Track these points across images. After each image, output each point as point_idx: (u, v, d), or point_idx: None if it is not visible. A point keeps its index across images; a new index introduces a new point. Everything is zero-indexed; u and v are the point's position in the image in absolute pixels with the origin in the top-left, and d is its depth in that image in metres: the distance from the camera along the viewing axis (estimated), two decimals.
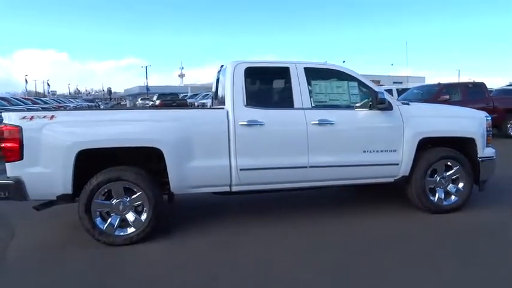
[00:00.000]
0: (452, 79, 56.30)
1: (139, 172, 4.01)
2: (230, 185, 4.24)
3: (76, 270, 3.51)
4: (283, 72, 4.45)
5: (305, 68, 4.46)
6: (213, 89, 5.53)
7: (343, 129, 4.41)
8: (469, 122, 4.78)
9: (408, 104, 4.77)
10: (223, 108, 4.24)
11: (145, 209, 4.02)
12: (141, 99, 52.89)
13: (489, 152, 4.83)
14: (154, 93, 60.48)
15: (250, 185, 4.28)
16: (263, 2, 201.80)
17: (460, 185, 4.73)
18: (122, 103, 76.18)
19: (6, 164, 3.84)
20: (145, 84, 71.97)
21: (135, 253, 3.82)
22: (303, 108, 4.34)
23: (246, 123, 4.15)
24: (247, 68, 4.33)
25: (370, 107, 4.50)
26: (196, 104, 27.61)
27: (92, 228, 3.91)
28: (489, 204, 5.02)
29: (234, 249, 3.85)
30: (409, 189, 4.69)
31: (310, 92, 4.42)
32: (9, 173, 3.84)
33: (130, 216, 4.01)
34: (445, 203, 4.70)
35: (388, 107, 4.50)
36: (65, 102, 29.97)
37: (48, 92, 79.41)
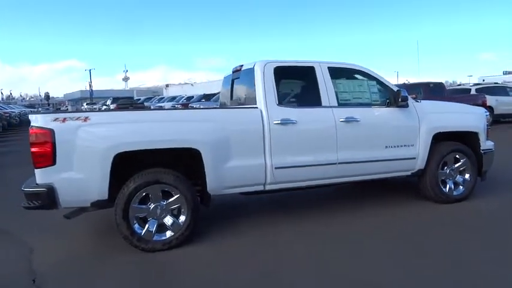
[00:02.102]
0: (392, 80, 59.80)
1: (177, 174, 3.89)
2: (264, 184, 4.24)
3: (117, 279, 3.33)
4: (309, 72, 4.53)
5: (328, 67, 4.58)
6: (225, 90, 5.47)
7: (367, 126, 4.57)
8: (473, 117, 5.17)
9: (419, 102, 5.05)
10: (256, 108, 4.23)
11: (183, 211, 3.91)
12: (86, 104, 50.45)
13: (489, 144, 5.25)
14: (100, 98, 58.04)
15: (283, 183, 4.31)
16: (206, 8, 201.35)
17: (467, 176, 5.09)
18: (61, 108, 72.12)
19: (37, 170, 3.56)
20: (89, 89, 68.47)
21: (175, 258, 3.70)
22: (330, 107, 4.45)
23: (279, 121, 4.18)
24: (276, 67, 4.36)
25: (389, 105, 4.72)
26: (152, 108, 26.92)
27: (131, 234, 3.73)
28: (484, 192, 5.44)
29: (278, 247, 3.86)
30: (423, 181, 4.96)
31: (335, 90, 4.54)
32: (39, 180, 3.56)
33: (168, 220, 3.88)
34: (454, 193, 5.03)
35: (405, 104, 4.75)
36: (6, 108, 27.84)
37: None
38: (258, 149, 4.13)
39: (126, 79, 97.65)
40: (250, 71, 4.46)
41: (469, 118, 5.15)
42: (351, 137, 4.49)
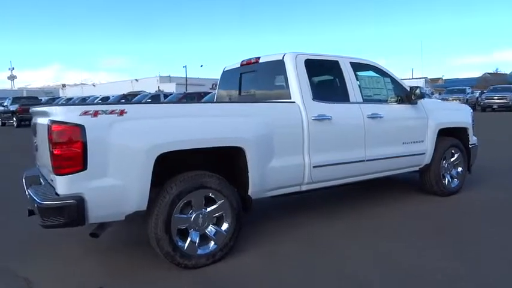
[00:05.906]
0: None
1: (220, 177, 3.40)
2: (301, 184, 3.95)
3: None
4: (334, 66, 4.37)
5: (350, 63, 4.47)
6: (228, 85, 5.03)
7: (389, 122, 4.55)
8: (464, 114, 5.51)
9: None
10: (294, 102, 3.91)
11: (225, 219, 3.43)
12: None
13: (474, 139, 5.65)
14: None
15: (318, 182, 4.05)
16: (107, 5, 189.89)
17: (459, 169, 5.41)
18: None
19: (59, 177, 2.78)
20: None
21: (218, 272, 3.23)
22: (357, 102, 4.34)
23: (316, 117, 3.92)
24: (307, 60, 4.11)
25: (400, 101, 4.75)
26: None
27: (173, 250, 3.14)
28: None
29: (324, 246, 3.62)
30: (428, 176, 5.13)
31: (359, 86, 4.45)
32: (63, 190, 2.79)
33: (211, 230, 3.36)
34: (452, 185, 5.30)
35: (416, 102, 4.85)
36: None
37: None
38: (298, 147, 3.83)
39: (12, 78, 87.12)
40: (278, 63, 4.12)
41: (461, 115, 5.48)
42: (376, 133, 4.42)
